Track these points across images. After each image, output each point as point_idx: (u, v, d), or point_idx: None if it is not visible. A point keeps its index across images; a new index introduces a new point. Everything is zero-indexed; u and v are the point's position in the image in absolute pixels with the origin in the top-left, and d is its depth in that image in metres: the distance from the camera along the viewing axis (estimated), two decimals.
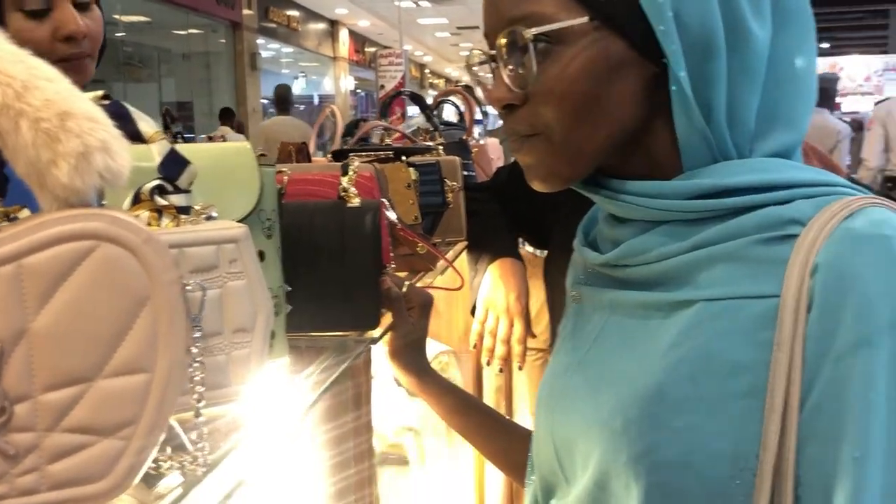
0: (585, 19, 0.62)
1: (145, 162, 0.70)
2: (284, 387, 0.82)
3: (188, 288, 0.59)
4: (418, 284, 1.28)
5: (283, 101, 7.85)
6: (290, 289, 0.89)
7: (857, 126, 7.01)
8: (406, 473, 1.43)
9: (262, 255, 0.82)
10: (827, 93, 5.52)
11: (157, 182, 0.70)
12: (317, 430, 0.88)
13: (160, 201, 0.69)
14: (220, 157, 0.79)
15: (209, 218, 0.73)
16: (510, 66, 0.65)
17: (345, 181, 0.95)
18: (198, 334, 0.60)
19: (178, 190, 0.70)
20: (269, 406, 0.77)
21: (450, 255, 1.54)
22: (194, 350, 0.60)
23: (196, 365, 0.60)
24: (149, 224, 0.70)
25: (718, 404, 0.59)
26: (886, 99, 6.51)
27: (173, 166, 0.70)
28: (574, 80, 0.62)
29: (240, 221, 0.78)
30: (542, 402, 0.75)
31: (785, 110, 0.65)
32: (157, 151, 0.70)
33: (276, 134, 6.60)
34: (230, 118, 8.80)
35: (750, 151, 0.65)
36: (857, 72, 12.86)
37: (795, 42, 0.65)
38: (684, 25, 0.61)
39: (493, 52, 0.67)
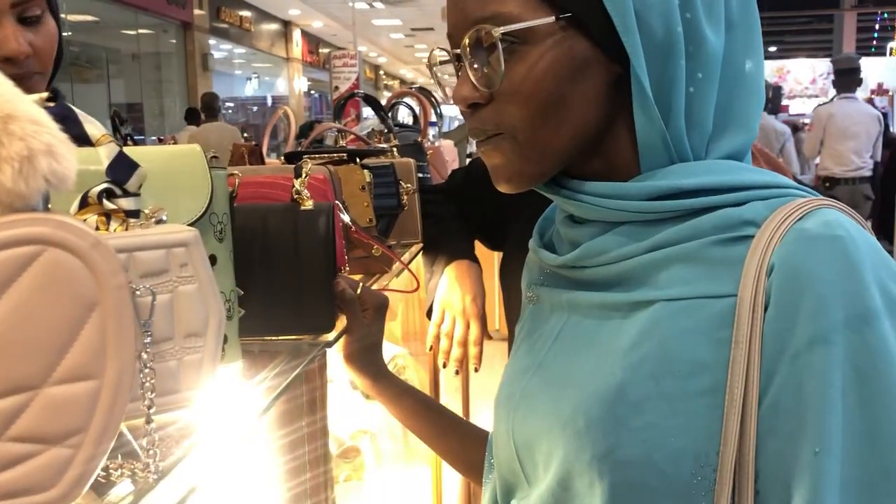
0: (551, 19, 0.63)
1: (93, 165, 0.69)
2: (238, 392, 0.81)
3: (137, 293, 0.58)
4: (374, 287, 1.27)
5: (209, 107, 8.26)
6: (242, 293, 0.88)
7: (794, 128, 7.19)
8: (362, 476, 1.43)
9: (213, 259, 0.81)
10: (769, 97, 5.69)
11: (105, 185, 0.69)
12: (271, 435, 0.88)
13: (108, 205, 0.68)
14: (170, 159, 0.78)
15: (159, 221, 0.72)
16: (475, 66, 0.65)
17: (298, 184, 0.95)
18: (148, 339, 0.59)
19: (126, 193, 0.69)
20: (222, 411, 0.76)
21: (405, 257, 1.54)
22: (144, 356, 0.59)
23: (146, 371, 0.59)
24: (97, 228, 0.69)
25: (679, 403, 0.60)
26: (828, 101, 6.69)
27: (122, 169, 0.69)
28: (540, 79, 0.63)
29: (191, 225, 0.77)
30: (500, 404, 0.75)
31: (737, 112, 0.67)
32: (104, 154, 0.69)
33: (204, 141, 6.80)
34: (195, 118, 8.76)
35: (706, 153, 0.67)
36: (803, 75, 13.15)
37: (744, 46, 0.67)
38: (646, 26, 0.62)
39: (458, 51, 0.67)
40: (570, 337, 0.70)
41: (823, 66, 13.29)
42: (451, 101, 0.71)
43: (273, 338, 0.94)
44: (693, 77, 0.64)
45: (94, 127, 0.68)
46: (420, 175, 1.87)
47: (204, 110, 8.34)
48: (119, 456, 0.64)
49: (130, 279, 0.63)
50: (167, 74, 12.04)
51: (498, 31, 0.63)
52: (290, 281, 0.93)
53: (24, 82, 1.05)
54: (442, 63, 0.72)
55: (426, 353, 2.22)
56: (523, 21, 0.63)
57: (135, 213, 0.70)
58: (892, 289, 0.57)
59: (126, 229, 0.69)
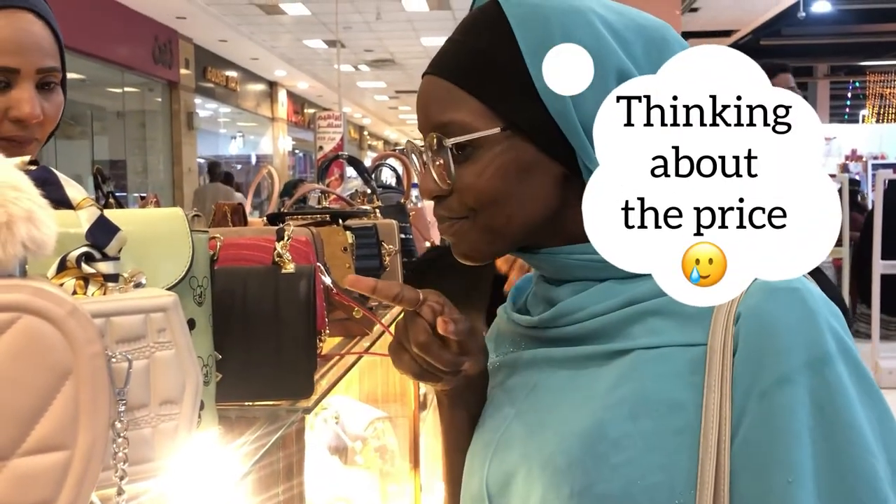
0: (497, 130, 0.71)
1: (72, 228, 0.69)
2: (213, 459, 0.79)
3: (113, 359, 0.57)
4: (354, 349, 1.26)
5: (211, 171, 10.52)
6: (220, 357, 0.87)
7: None
8: None
9: (192, 323, 0.80)
10: None
11: (84, 249, 0.68)
12: (247, 502, 0.86)
13: (87, 269, 0.68)
14: (151, 222, 0.78)
15: (138, 285, 0.71)
16: (437, 163, 0.73)
17: (279, 246, 0.95)
18: (122, 408, 0.58)
19: (105, 257, 0.69)
20: (197, 479, 0.74)
21: (386, 319, 1.53)
22: (118, 424, 0.58)
23: (119, 440, 0.57)
24: (74, 293, 0.68)
25: (655, 440, 0.64)
26: None
27: (102, 233, 0.69)
28: (489, 179, 0.71)
29: (170, 289, 0.77)
30: (476, 454, 0.78)
31: None
32: (85, 218, 0.69)
33: (203, 196, 8.97)
34: (215, 175, 10.42)
35: None
36: None
37: None
38: (587, 123, 0.68)
39: (423, 147, 0.75)
40: (545, 388, 0.74)
41: None
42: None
43: (251, 403, 0.93)
44: None
45: (75, 190, 0.68)
46: (403, 236, 1.88)
47: (208, 173, 10.09)
48: None
49: (107, 345, 0.62)
50: (151, 132, 12.09)
51: (449, 142, 0.71)
52: (269, 345, 0.92)
53: (24, 147, 1.06)
54: (413, 153, 0.79)
55: (406, 417, 2.20)
56: (474, 131, 0.71)
57: (113, 278, 0.69)
58: (842, 335, 0.64)
59: (104, 293, 0.68)
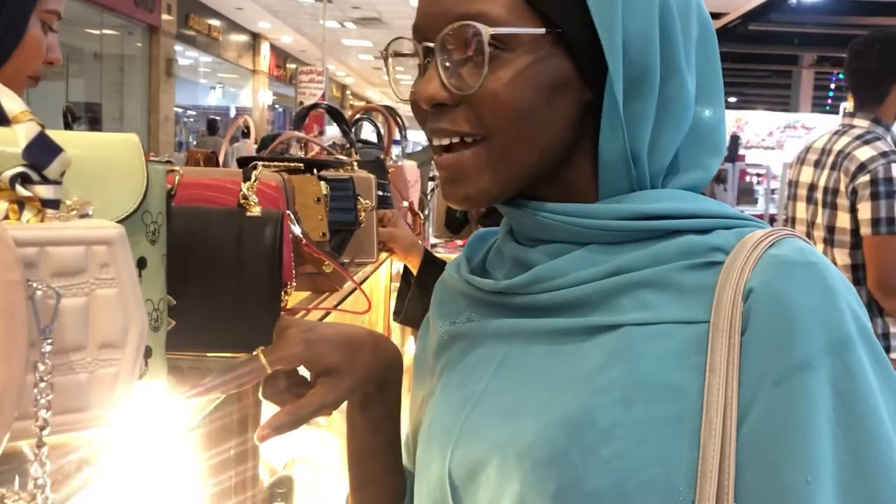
0: (541, 31, 0.61)
1: (8, 147, 0.61)
2: (160, 410, 0.73)
3: (38, 291, 0.50)
4: (322, 305, 1.20)
5: (211, 127, 10.90)
6: (174, 302, 0.80)
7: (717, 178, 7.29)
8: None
9: (143, 263, 0.73)
10: None
11: (20, 169, 0.60)
12: (196, 456, 0.79)
13: (22, 191, 0.60)
14: (101, 147, 0.70)
15: (84, 216, 0.64)
16: (448, 64, 0.62)
17: (245, 188, 0.87)
18: (47, 348, 0.51)
19: (45, 180, 0.61)
20: (141, 431, 0.67)
21: (358, 276, 1.47)
22: (41, 367, 0.51)
23: (42, 385, 0.50)
24: (6, 217, 0.60)
25: (650, 429, 0.57)
26: None
27: (41, 153, 0.61)
28: (522, 88, 0.61)
29: (120, 222, 0.69)
30: (433, 439, 0.69)
31: (695, 154, 0.67)
32: (23, 134, 0.61)
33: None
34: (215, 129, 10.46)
35: (661, 186, 0.67)
36: (760, 127, 13.45)
37: (707, 93, 0.68)
38: (628, 53, 0.62)
39: (428, 45, 0.63)
40: (515, 365, 0.66)
41: (781, 119, 13.61)
42: (402, 98, 0.66)
43: (205, 354, 0.86)
44: (662, 111, 0.64)
45: (12, 102, 0.60)
46: (380, 193, 1.81)
47: (208, 128, 10.43)
48: (17, 481, 0.56)
49: (38, 277, 0.55)
50: (129, 77, 11.81)
51: (488, 32, 0.60)
52: (229, 292, 0.85)
53: (28, 83, 1.19)
54: (398, 55, 0.68)
55: None
56: (509, 25, 0.60)
57: (53, 204, 0.62)
58: (861, 316, 0.58)
59: (41, 221, 0.61)
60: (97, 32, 11.08)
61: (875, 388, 0.56)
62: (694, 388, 0.57)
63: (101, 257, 0.60)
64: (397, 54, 0.68)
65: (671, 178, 0.66)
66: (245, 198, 0.87)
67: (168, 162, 0.78)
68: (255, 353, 0.70)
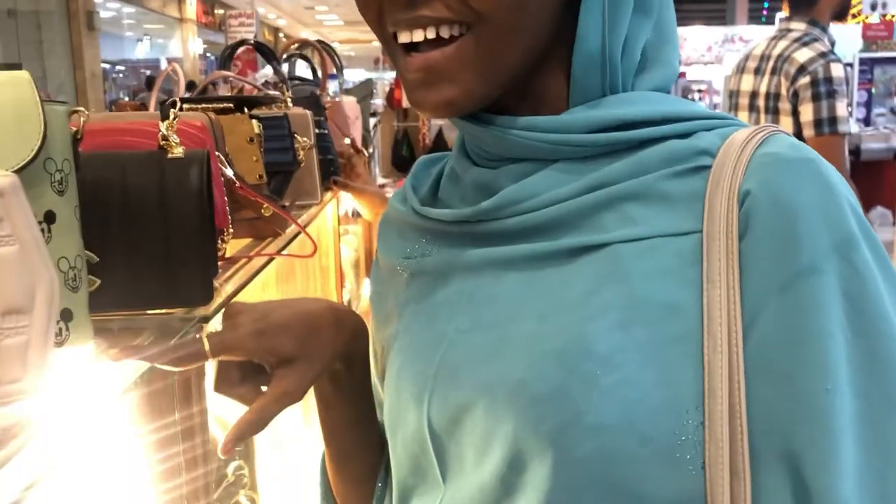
0: None
1: None
2: (87, 380, 0.66)
3: None
4: (266, 251, 1.13)
5: (149, 83, 10.57)
6: (97, 259, 0.73)
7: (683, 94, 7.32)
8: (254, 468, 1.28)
9: (52, 217, 0.65)
10: None
11: None
12: (134, 433, 0.72)
13: None
14: None
15: None
16: None
17: (164, 127, 0.79)
18: None
19: None
20: (64, 406, 0.61)
21: (302, 219, 1.39)
22: None
23: None
24: None
25: (652, 351, 0.53)
26: None
27: None
28: None
29: (17, 172, 0.61)
30: (404, 385, 0.63)
31: (660, 50, 0.63)
32: None
33: None
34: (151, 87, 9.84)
35: (632, 87, 0.61)
36: (699, 42, 13.45)
37: None
38: None
39: None
40: (488, 299, 0.60)
41: (719, 34, 13.63)
42: None
43: (137, 313, 0.79)
44: (634, 9, 0.59)
45: None
46: (318, 131, 1.72)
47: (146, 85, 10.16)
48: None
49: None
50: (48, 34, 11.24)
51: None
52: (157, 243, 0.78)
53: None
54: None
55: None
56: None
57: None
58: (859, 210, 0.55)
59: None
60: None
61: (881, 286, 0.52)
62: (693, 303, 0.53)
63: None
64: None
65: (640, 77, 0.61)
66: (165, 138, 0.79)
67: (76, 111, 0.69)
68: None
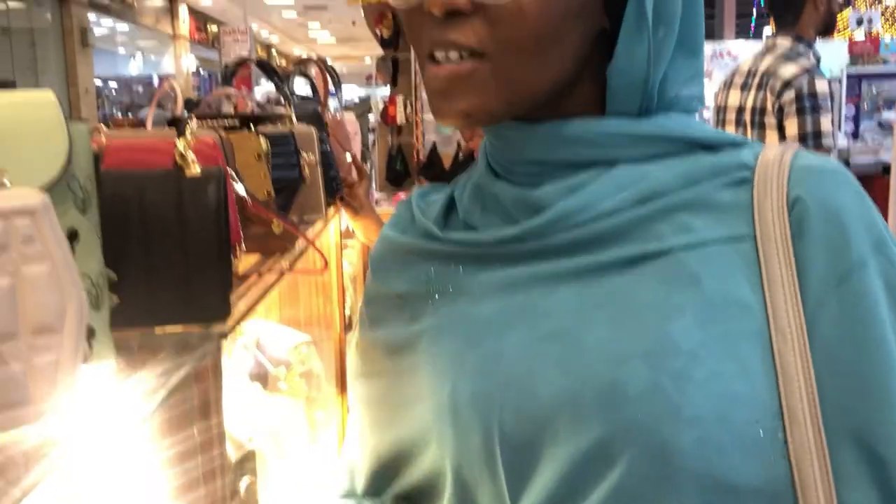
0: None
1: None
2: (110, 398, 0.66)
3: None
4: (275, 267, 1.13)
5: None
6: (115, 276, 0.73)
7: None
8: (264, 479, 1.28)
9: (74, 234, 0.66)
10: None
11: None
12: (155, 447, 0.73)
13: None
14: (13, 109, 0.62)
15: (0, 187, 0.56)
16: None
17: (181, 145, 0.79)
18: None
19: None
20: (90, 423, 0.61)
21: (308, 235, 1.40)
22: None
23: None
24: None
25: (730, 346, 0.56)
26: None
27: None
28: (551, 6, 0.57)
29: (42, 191, 0.61)
30: (460, 411, 0.61)
31: (693, 81, 0.65)
32: None
33: None
34: None
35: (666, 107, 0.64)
36: None
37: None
38: None
39: None
40: (543, 311, 0.60)
41: (707, 48, 13.73)
42: (400, 3, 0.59)
43: (155, 329, 0.79)
44: (683, 39, 0.63)
45: None
46: (321, 147, 1.73)
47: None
48: None
49: None
50: (42, 51, 11.27)
51: None
52: (175, 261, 0.78)
53: None
54: None
55: (331, 339, 2.08)
56: None
57: None
58: (879, 214, 0.62)
59: None
60: (2, 6, 10.52)
61: None
62: (755, 302, 0.58)
63: (23, 230, 0.53)
64: None
65: (674, 107, 0.64)
66: (182, 156, 0.79)
67: (86, 122, 0.70)
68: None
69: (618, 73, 0.61)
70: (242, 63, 1.84)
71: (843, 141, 6.10)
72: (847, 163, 5.63)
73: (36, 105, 0.64)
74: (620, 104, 0.61)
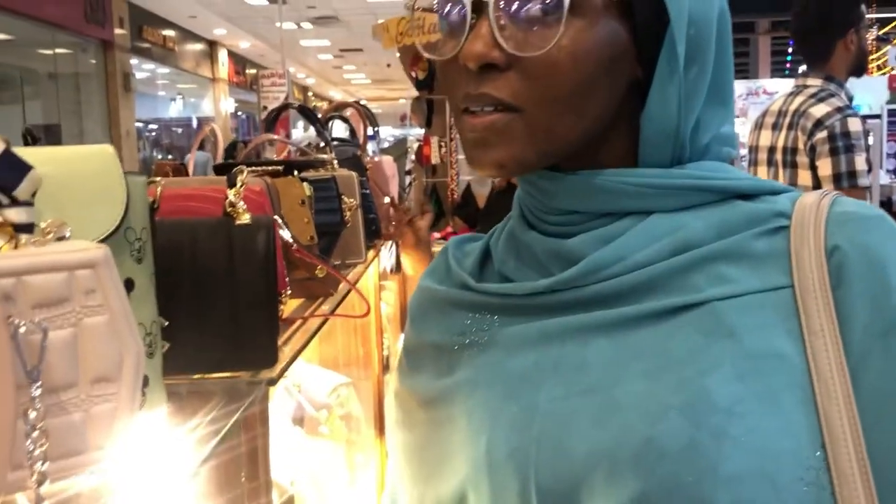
0: None
1: None
2: (163, 444, 0.67)
3: (22, 329, 0.44)
4: (318, 312, 1.14)
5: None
6: (166, 323, 0.74)
7: None
8: None
9: (130, 284, 0.67)
10: None
11: None
12: (203, 495, 0.73)
13: None
14: (73, 162, 0.64)
15: (60, 238, 0.58)
16: (504, 22, 0.57)
17: (231, 195, 0.81)
18: (37, 391, 0.45)
19: (15, 202, 0.55)
20: (143, 470, 0.62)
21: (350, 277, 1.41)
22: (33, 414, 0.45)
23: (35, 434, 0.44)
24: None
25: (770, 401, 0.55)
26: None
27: (8, 172, 0.55)
28: (587, 57, 0.57)
29: (101, 242, 0.63)
30: (499, 465, 0.60)
31: (730, 129, 0.66)
32: None
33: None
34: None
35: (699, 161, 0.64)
36: None
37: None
38: (689, 26, 0.60)
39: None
40: (577, 365, 0.59)
41: (742, 87, 13.72)
42: (434, 55, 0.60)
43: (204, 376, 0.80)
44: (714, 89, 0.63)
45: None
46: (361, 191, 1.75)
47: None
48: None
49: (17, 311, 0.49)
50: (86, 95, 11.59)
51: None
52: (224, 308, 0.79)
53: None
54: (425, 10, 0.62)
55: (370, 380, 2.09)
56: None
57: (27, 228, 0.56)
58: None
59: (15, 247, 0.55)
60: (50, 52, 10.86)
61: None
62: (795, 353, 0.56)
63: (85, 282, 0.54)
64: (424, 10, 0.62)
65: (707, 155, 0.64)
66: (232, 205, 0.81)
67: (142, 175, 0.72)
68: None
69: (650, 121, 0.60)
70: (285, 109, 1.87)
71: (885, 178, 6.02)
72: (890, 200, 5.55)
73: (96, 158, 0.66)
74: (653, 153, 0.61)
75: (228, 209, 0.82)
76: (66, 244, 0.56)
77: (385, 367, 2.12)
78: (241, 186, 0.82)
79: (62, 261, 0.53)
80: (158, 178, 0.72)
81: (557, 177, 0.62)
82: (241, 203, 0.82)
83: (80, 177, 0.64)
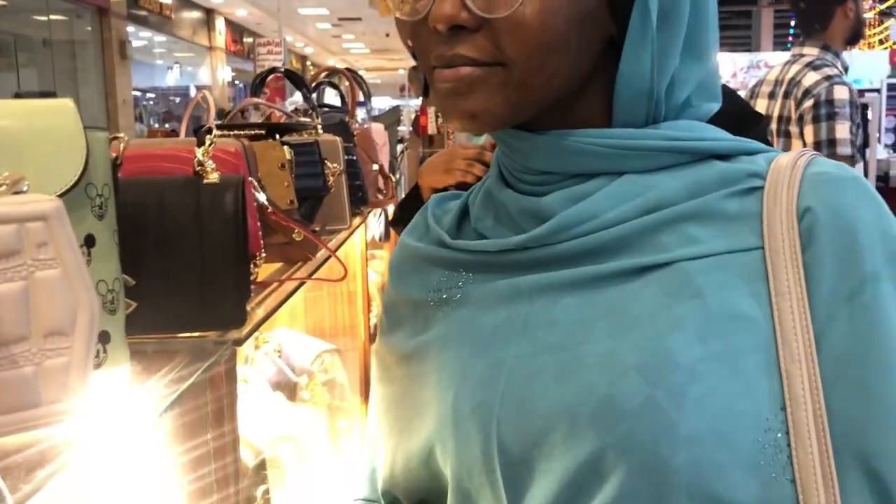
0: None
1: None
2: (124, 401, 0.67)
3: None
4: (296, 275, 1.14)
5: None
6: (133, 282, 0.74)
7: None
8: (284, 487, 1.29)
9: (92, 240, 0.67)
10: None
11: None
12: (169, 452, 0.73)
13: None
14: (32, 116, 0.64)
15: (18, 193, 0.57)
16: None
17: (200, 153, 0.80)
18: None
19: None
20: (104, 427, 0.62)
21: (331, 244, 1.41)
22: None
23: None
24: None
25: (731, 363, 0.55)
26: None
27: None
28: (555, 16, 0.56)
29: (61, 196, 0.62)
30: (464, 418, 0.61)
31: (708, 82, 0.65)
32: None
33: None
34: None
35: (674, 118, 0.63)
36: (725, 69, 13.45)
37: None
38: None
39: None
40: (546, 322, 0.60)
41: (744, 59, 13.65)
42: (405, 16, 0.59)
43: (171, 335, 0.80)
44: (689, 44, 0.61)
45: None
46: (347, 157, 1.74)
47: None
48: None
49: None
50: (82, 63, 11.51)
51: None
52: (192, 267, 0.79)
53: None
54: None
55: (356, 350, 2.09)
56: None
57: None
58: None
59: None
60: (44, 18, 10.76)
61: None
62: (761, 315, 0.56)
63: (37, 235, 0.54)
64: None
65: (684, 112, 0.63)
66: (201, 164, 0.80)
67: (116, 138, 0.71)
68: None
69: (623, 79, 0.60)
70: (271, 73, 1.86)
71: (883, 153, 5.98)
72: (887, 175, 5.53)
73: (55, 113, 0.65)
74: (627, 112, 0.60)
75: (197, 168, 0.81)
76: (20, 197, 0.56)
77: (372, 337, 2.12)
78: (210, 145, 0.82)
79: (12, 212, 0.53)
80: (122, 135, 0.71)
81: (530, 137, 0.61)
82: (210, 162, 0.81)
83: (40, 131, 0.64)
